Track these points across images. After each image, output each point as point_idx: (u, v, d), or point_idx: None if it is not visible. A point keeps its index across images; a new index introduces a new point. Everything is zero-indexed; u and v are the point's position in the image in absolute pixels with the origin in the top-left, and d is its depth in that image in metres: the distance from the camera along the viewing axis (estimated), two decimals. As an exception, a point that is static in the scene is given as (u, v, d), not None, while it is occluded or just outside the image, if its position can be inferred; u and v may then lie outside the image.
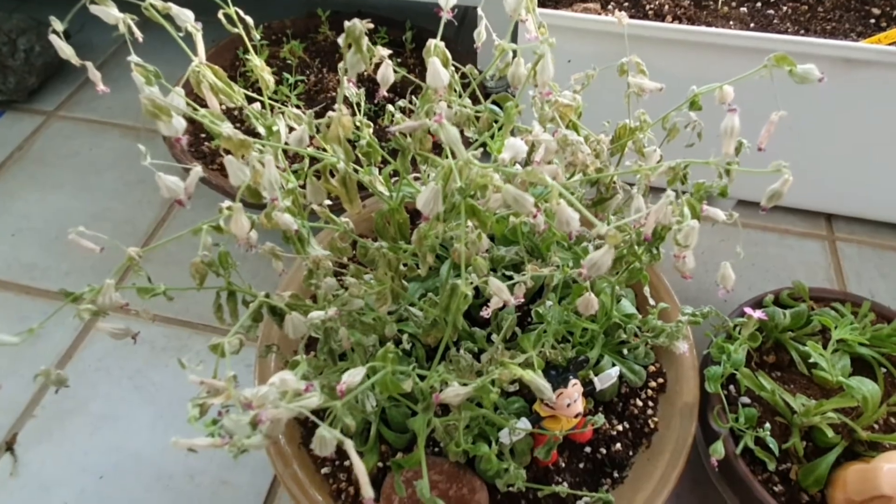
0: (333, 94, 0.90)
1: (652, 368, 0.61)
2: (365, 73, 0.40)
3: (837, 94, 0.72)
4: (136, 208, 0.94)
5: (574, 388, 0.49)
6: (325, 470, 0.55)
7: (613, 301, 0.53)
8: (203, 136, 0.84)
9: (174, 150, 0.80)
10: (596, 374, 0.53)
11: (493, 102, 0.43)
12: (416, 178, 0.53)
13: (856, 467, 0.51)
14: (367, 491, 0.23)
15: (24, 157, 1.01)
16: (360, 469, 0.23)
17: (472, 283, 0.31)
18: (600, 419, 0.46)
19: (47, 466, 0.68)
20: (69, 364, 0.76)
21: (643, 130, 0.39)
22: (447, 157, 0.36)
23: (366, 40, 0.32)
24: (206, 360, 0.85)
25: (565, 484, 0.54)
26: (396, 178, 0.49)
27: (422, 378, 0.35)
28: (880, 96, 0.71)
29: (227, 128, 0.34)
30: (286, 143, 0.41)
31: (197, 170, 0.37)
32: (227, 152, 0.38)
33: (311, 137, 0.42)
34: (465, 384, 0.32)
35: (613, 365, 0.57)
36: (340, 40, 0.33)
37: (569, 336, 0.54)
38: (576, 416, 0.50)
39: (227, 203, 0.45)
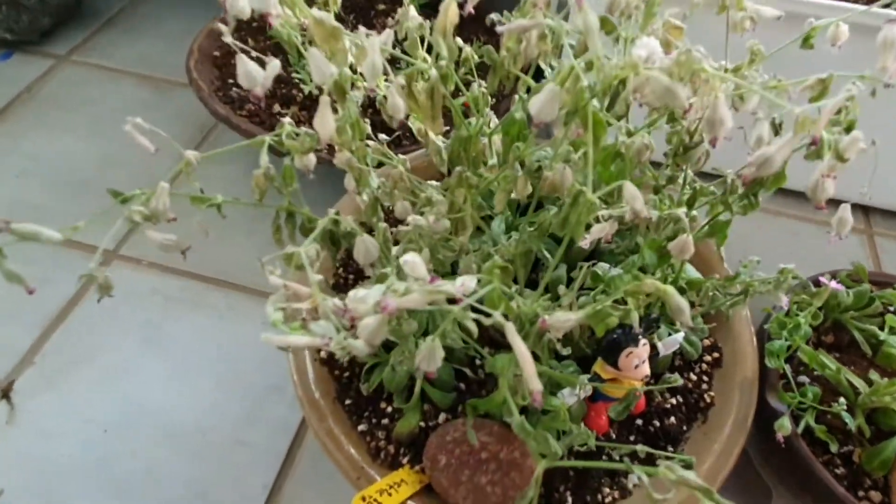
0: (368, 51, 0.86)
1: (706, 343, 0.58)
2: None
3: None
4: (152, 156, 0.89)
5: (644, 348, 0.46)
6: (361, 427, 0.51)
7: (683, 264, 0.50)
8: (231, 80, 0.80)
9: (201, 93, 0.76)
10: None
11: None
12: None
13: (929, 450, 0.48)
14: (536, 384, 0.19)
15: (33, 98, 0.95)
16: (527, 358, 0.19)
17: (598, 191, 0.27)
18: (678, 379, 0.43)
19: (48, 416, 0.63)
20: (75, 310, 0.71)
21: (755, 63, 0.36)
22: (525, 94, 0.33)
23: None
24: (224, 315, 0.80)
25: (617, 456, 0.50)
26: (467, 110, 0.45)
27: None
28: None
29: (318, 11, 0.30)
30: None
31: (275, 63, 0.33)
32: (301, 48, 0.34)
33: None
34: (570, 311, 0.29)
35: (670, 334, 0.54)
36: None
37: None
38: (642, 380, 0.47)
39: (287, 119, 0.41)
